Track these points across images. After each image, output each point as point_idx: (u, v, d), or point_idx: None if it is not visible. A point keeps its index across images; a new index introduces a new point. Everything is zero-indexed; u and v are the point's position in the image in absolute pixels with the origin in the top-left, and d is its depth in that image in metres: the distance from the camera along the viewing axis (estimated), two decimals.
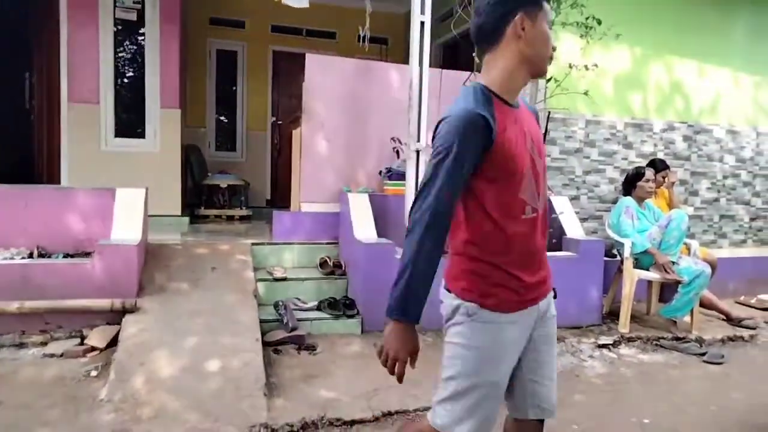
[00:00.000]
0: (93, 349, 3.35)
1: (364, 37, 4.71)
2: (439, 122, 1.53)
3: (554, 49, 1.60)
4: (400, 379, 1.56)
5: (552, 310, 1.73)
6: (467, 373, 1.57)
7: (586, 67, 4.77)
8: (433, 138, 1.56)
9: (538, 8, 1.54)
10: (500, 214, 1.54)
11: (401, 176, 4.53)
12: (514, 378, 1.67)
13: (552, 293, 1.74)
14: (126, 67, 6.16)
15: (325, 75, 4.84)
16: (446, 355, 1.63)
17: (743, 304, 5.39)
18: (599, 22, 4.59)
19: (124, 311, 3.50)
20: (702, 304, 4.67)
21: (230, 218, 6.72)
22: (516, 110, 1.59)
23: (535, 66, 1.57)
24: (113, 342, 3.36)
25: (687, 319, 4.48)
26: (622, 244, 4.52)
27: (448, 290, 1.64)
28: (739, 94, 6.26)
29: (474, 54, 4.84)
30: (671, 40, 5.84)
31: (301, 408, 2.85)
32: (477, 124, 1.45)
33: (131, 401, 2.75)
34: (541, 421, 1.74)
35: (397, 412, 2.90)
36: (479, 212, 1.56)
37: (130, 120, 5.94)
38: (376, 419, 2.83)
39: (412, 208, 1.52)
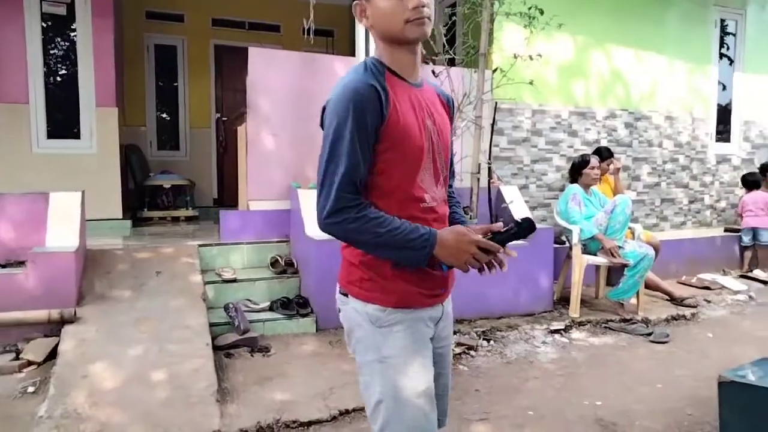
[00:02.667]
0: (30, 363, 3.16)
1: (309, 30, 4.62)
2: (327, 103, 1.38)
3: (418, 6, 1.34)
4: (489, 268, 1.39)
5: (451, 317, 1.60)
6: (388, 386, 1.40)
7: (531, 57, 4.82)
8: (321, 122, 1.40)
9: None
10: (395, 201, 1.38)
11: None
12: None
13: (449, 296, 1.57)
14: (58, 65, 5.85)
15: (269, 69, 4.72)
16: (361, 379, 1.46)
17: (685, 284, 5.61)
18: (542, 12, 4.65)
19: (62, 322, 3.31)
20: (647, 286, 4.82)
21: (175, 219, 6.50)
22: (416, 89, 1.44)
23: (397, 39, 1.38)
24: (52, 355, 3.17)
25: (633, 300, 4.62)
26: (571, 231, 4.61)
27: (346, 294, 1.47)
28: (675, 81, 6.50)
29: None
30: (610, 29, 6.00)
31: (256, 412, 2.77)
32: (368, 95, 1.30)
33: (73, 417, 2.60)
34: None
35: (354, 410, 2.86)
36: (378, 196, 1.38)
37: (63, 120, 5.64)
38: (334, 418, 2.79)
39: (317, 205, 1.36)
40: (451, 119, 1.58)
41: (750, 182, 6.47)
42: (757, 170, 6.88)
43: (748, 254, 6.24)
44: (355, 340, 1.46)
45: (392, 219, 1.33)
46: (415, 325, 1.42)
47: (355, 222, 1.31)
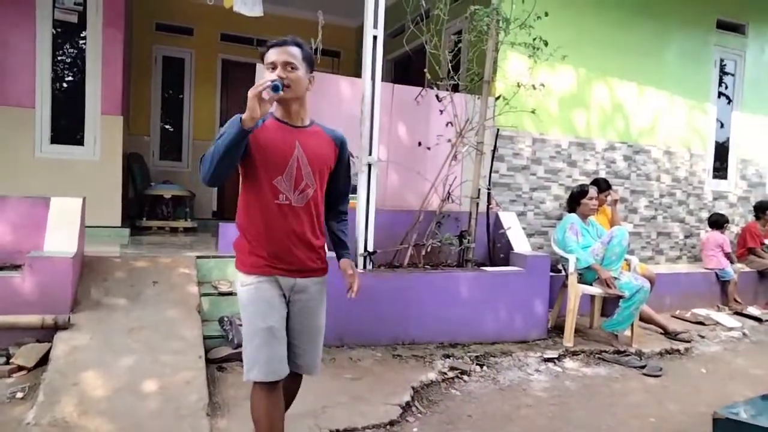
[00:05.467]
0: (20, 368, 3.13)
1: (316, 50, 4.68)
2: None
3: (280, 80, 1.97)
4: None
5: (314, 292, 2.20)
6: (246, 326, 2.11)
7: (534, 87, 4.90)
8: None
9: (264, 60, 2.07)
10: (255, 192, 2.06)
11: (353, 189, 4.49)
12: (290, 339, 2.16)
13: (318, 278, 2.21)
14: (65, 71, 5.89)
15: None
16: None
17: (679, 318, 5.61)
18: (546, 44, 4.73)
19: (56, 328, 3.29)
20: (641, 318, 4.83)
21: (174, 230, 6.49)
22: (295, 129, 2.11)
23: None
24: (43, 361, 3.14)
25: (627, 332, 4.62)
26: (567, 260, 4.63)
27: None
28: (674, 117, 6.59)
29: (425, 70, 4.91)
30: (612, 63, 6.10)
31: (246, 428, 2.73)
32: (236, 119, 1.96)
33: (61, 425, 2.58)
34: (300, 376, 2.29)
35: (345, 430, 2.84)
36: (245, 192, 2.11)
37: (68, 126, 5.66)
38: None
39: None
40: (341, 155, 2.24)
41: (711, 222, 6.52)
42: (753, 207, 6.97)
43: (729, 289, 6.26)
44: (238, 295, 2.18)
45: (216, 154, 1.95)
46: (262, 285, 2.09)
47: (207, 152, 2.00)
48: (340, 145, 2.24)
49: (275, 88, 1.89)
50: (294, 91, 2.05)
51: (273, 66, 2.03)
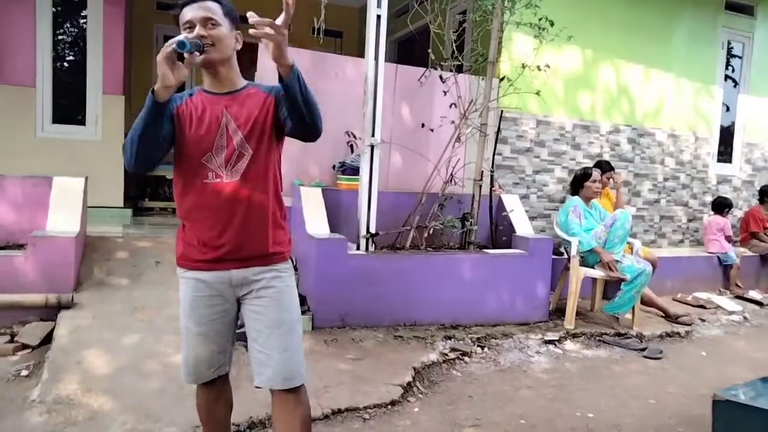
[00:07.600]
0: (24, 346, 3.16)
1: (318, 29, 4.63)
2: None
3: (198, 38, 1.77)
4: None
5: (263, 284, 1.86)
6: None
7: (539, 68, 4.84)
8: None
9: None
10: (184, 175, 1.83)
11: (355, 171, 4.48)
12: (250, 347, 1.90)
13: (265, 267, 1.85)
14: (66, 51, 5.85)
15: None
16: None
17: (680, 302, 5.62)
18: (552, 24, 4.66)
19: (59, 307, 3.32)
20: (642, 301, 4.83)
21: (176, 211, 6.48)
22: (224, 96, 1.84)
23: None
24: (47, 339, 3.18)
25: (628, 315, 4.63)
26: (570, 243, 4.62)
27: None
28: (680, 100, 6.53)
29: (429, 50, 4.86)
30: (619, 44, 6.03)
31: (248, 407, 2.77)
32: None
33: (65, 402, 2.61)
34: (291, 391, 1.83)
35: (347, 410, 2.86)
36: (175, 175, 1.87)
37: (69, 105, 5.64)
38: (326, 417, 2.79)
39: None
40: (269, 101, 1.84)
41: (714, 205, 6.49)
42: (759, 191, 6.94)
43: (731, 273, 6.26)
44: None
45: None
46: (189, 282, 1.90)
47: (128, 136, 1.74)
48: (277, 92, 1.84)
49: (181, 45, 1.64)
50: (219, 51, 1.79)
51: (190, 25, 1.79)
